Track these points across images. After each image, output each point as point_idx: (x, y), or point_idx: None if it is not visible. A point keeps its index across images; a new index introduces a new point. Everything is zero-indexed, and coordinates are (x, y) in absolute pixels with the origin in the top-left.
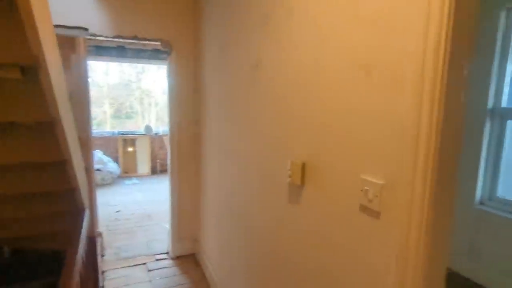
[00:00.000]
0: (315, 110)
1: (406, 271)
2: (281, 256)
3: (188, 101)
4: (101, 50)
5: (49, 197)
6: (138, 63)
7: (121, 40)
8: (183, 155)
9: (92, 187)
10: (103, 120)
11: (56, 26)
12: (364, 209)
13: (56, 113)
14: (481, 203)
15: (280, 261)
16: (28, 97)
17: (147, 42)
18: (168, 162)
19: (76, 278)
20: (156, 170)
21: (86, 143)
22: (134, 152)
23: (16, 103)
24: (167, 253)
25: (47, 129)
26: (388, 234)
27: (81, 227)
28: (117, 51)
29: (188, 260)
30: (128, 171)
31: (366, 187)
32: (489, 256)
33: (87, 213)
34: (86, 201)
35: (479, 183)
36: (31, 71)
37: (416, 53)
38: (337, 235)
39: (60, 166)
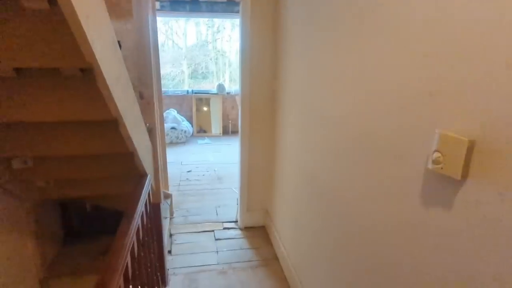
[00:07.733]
0: None
1: None
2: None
3: (262, 52)
4: (175, 5)
5: (109, 160)
6: (212, 17)
7: None
8: (256, 115)
9: (163, 146)
10: (181, 80)
11: None
12: None
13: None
14: None
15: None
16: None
17: None
18: (239, 122)
19: (128, 242)
20: (228, 130)
21: (149, 101)
22: (208, 111)
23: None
24: (235, 221)
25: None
26: None
27: (140, 194)
28: (191, 5)
29: (257, 233)
30: (200, 131)
31: None
32: None
33: (148, 178)
34: (150, 166)
35: None
36: None
37: None
38: None
39: (112, 126)
